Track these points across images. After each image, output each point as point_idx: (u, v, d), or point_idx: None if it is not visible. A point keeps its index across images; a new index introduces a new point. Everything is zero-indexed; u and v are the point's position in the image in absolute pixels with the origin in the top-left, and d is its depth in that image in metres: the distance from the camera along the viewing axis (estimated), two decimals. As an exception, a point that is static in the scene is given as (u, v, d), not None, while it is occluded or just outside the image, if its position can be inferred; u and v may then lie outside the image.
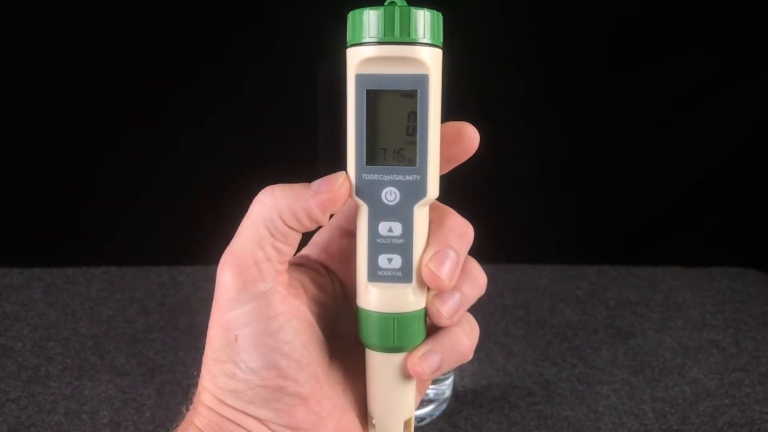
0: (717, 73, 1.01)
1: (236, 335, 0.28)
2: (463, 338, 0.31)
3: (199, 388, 0.30)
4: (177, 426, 0.31)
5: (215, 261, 0.30)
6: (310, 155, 0.96)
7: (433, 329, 0.31)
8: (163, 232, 1.07)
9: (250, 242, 0.29)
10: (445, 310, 0.30)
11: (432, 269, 0.29)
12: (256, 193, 0.30)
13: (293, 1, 0.96)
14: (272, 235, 0.29)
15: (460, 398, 0.73)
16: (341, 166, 0.30)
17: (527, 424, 0.69)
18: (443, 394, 0.69)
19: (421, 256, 0.30)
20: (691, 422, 0.68)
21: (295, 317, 0.29)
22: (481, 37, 0.80)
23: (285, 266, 0.30)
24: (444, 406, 0.70)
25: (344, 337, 0.32)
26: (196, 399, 0.31)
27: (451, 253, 0.29)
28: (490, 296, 0.32)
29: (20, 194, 1.06)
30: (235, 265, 0.29)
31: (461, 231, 0.30)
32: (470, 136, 0.30)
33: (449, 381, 0.70)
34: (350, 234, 0.33)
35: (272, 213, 0.28)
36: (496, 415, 0.70)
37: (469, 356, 0.31)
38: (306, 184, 0.29)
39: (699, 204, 1.06)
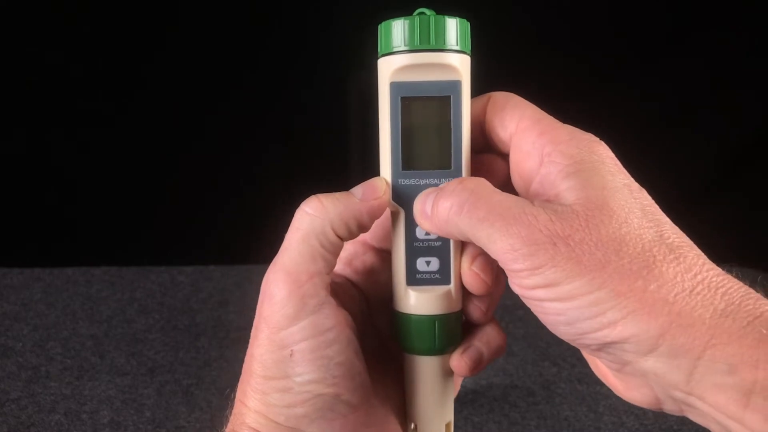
0: (706, 80, 1.01)
1: (291, 351, 0.28)
2: (497, 333, 0.32)
3: (241, 409, 0.30)
4: None
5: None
6: (331, 161, 0.96)
7: (467, 330, 0.32)
8: (164, 232, 1.07)
9: (302, 257, 0.28)
10: (485, 308, 0.31)
11: (478, 272, 0.30)
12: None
13: (327, 18, 0.97)
14: (323, 246, 0.28)
15: (460, 398, 0.73)
16: (372, 172, 0.31)
17: (527, 424, 0.69)
18: (456, 392, 0.69)
19: (459, 258, 0.30)
20: (690, 422, 0.68)
21: (346, 327, 0.29)
22: (502, 44, 0.80)
23: (330, 277, 0.29)
24: (444, 406, 0.70)
25: (371, 347, 0.32)
26: (237, 421, 0.30)
27: (489, 258, 0.30)
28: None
29: (21, 194, 1.06)
30: (290, 281, 0.28)
31: None
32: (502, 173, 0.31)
33: (449, 381, 0.70)
34: (373, 249, 0.33)
35: (324, 224, 0.28)
36: (496, 415, 0.70)
37: (504, 350, 0.33)
38: (349, 193, 0.29)
39: (698, 203, 1.06)
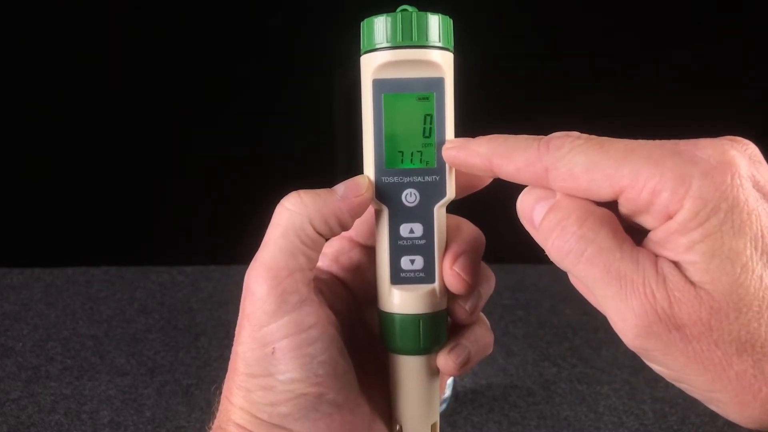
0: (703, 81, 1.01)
1: (273, 348, 0.28)
2: (485, 332, 0.32)
3: (227, 406, 0.30)
4: None
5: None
6: (319, 158, 0.97)
7: (453, 329, 0.31)
8: (164, 232, 1.07)
9: (282, 252, 0.28)
10: (468, 307, 0.30)
11: (458, 272, 0.29)
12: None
13: (312, 16, 0.97)
14: (303, 242, 0.28)
15: (460, 398, 0.73)
16: (358, 170, 0.30)
17: (527, 424, 0.69)
18: (443, 394, 0.69)
19: (443, 258, 0.30)
20: (691, 422, 0.68)
21: (329, 325, 0.29)
22: (485, 40, 0.81)
23: (313, 274, 0.29)
24: (444, 406, 0.70)
25: (359, 345, 0.32)
26: (223, 418, 0.30)
27: (473, 257, 0.30)
28: (490, 296, 0.33)
29: (20, 194, 1.06)
30: (270, 277, 0.28)
31: (477, 236, 0.31)
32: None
33: (449, 381, 0.70)
34: (359, 246, 0.33)
35: (303, 220, 0.28)
36: (496, 415, 0.70)
37: (491, 349, 0.32)
38: (330, 190, 0.29)
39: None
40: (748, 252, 0.21)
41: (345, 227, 0.29)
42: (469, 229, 0.31)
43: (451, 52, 0.29)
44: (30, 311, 0.93)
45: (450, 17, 0.29)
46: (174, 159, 1.04)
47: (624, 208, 0.24)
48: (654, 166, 0.22)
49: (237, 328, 0.29)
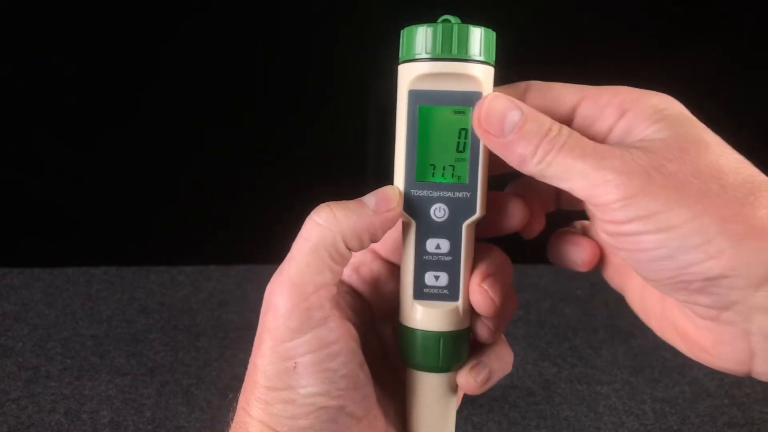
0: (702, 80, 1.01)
1: (295, 363, 0.27)
2: (506, 350, 0.32)
3: (244, 418, 0.29)
4: None
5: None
6: (330, 165, 0.96)
7: (475, 346, 0.31)
8: (164, 232, 1.07)
9: (309, 268, 0.27)
10: (493, 327, 0.31)
11: (486, 289, 0.29)
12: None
13: (347, 21, 0.97)
14: (332, 258, 0.28)
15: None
16: (387, 180, 0.30)
17: (527, 424, 0.69)
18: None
19: (469, 275, 0.29)
20: (691, 422, 0.68)
21: (350, 339, 0.29)
22: (529, 54, 0.80)
23: (336, 288, 0.29)
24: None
25: (374, 357, 0.31)
26: (240, 429, 0.29)
27: (501, 279, 0.30)
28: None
29: (20, 194, 1.06)
30: (296, 293, 0.27)
31: (506, 262, 0.31)
32: (519, 215, 0.31)
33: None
34: (381, 258, 0.33)
35: (335, 237, 0.27)
36: (496, 415, 0.70)
37: (511, 367, 0.32)
38: (361, 202, 0.28)
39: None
40: (702, 128, 0.26)
41: (375, 241, 0.29)
42: (499, 253, 0.31)
43: (491, 66, 0.28)
44: (30, 311, 0.93)
45: (493, 30, 0.28)
46: (175, 159, 1.04)
47: (581, 117, 0.28)
48: (611, 89, 0.28)
49: (256, 340, 0.29)
